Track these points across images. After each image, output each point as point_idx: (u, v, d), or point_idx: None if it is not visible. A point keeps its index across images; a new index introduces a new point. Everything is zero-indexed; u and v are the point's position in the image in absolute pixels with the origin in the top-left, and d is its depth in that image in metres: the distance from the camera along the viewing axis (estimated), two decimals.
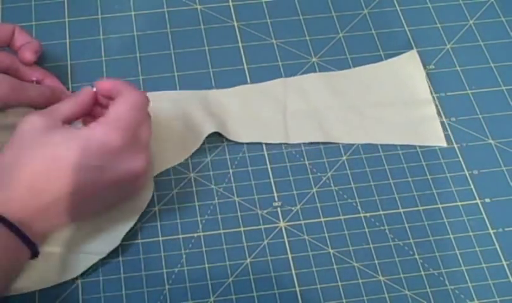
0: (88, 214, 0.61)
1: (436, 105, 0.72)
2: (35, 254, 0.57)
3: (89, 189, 0.58)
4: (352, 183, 0.67)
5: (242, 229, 0.64)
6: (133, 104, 0.60)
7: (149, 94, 0.62)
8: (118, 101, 0.60)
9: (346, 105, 0.72)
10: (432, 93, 0.73)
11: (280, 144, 0.69)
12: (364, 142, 0.70)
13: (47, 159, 0.57)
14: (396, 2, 0.80)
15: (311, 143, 0.69)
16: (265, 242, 0.64)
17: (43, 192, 0.56)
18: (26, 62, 0.68)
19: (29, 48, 0.68)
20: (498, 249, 0.64)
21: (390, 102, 0.72)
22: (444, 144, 0.70)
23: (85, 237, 0.62)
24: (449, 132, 0.71)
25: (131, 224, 0.63)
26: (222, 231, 0.64)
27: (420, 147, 0.70)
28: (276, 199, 0.66)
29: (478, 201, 0.67)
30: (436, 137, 0.70)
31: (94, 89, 0.63)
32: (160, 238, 0.64)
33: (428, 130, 0.71)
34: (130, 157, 0.59)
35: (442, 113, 0.72)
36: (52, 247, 0.61)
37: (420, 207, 0.66)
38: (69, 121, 0.60)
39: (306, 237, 0.64)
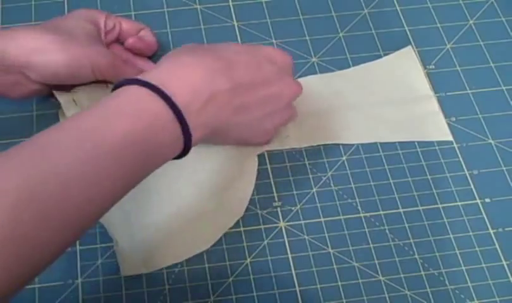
0: (238, 128, 0.61)
1: (438, 105, 0.72)
2: (186, 149, 0.55)
3: (248, 88, 0.59)
4: (352, 183, 0.67)
5: (242, 229, 0.64)
6: None
7: None
8: None
9: (347, 106, 0.72)
10: (431, 91, 0.73)
11: None
12: (369, 141, 0.70)
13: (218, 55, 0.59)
14: (395, 2, 0.80)
15: None
16: (265, 242, 0.64)
17: (209, 83, 0.56)
18: (130, 44, 0.71)
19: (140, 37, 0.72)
20: (498, 249, 0.64)
21: (391, 100, 0.72)
22: (450, 138, 0.70)
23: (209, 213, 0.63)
24: (449, 132, 0.71)
25: (250, 191, 0.65)
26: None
27: (420, 147, 0.70)
28: (276, 199, 0.66)
29: (478, 201, 0.67)
30: (441, 133, 0.70)
31: None
32: None
33: (433, 126, 0.71)
34: (287, 78, 0.63)
35: (442, 113, 0.72)
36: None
37: (420, 208, 0.66)
38: None
39: (306, 237, 0.64)
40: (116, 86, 0.54)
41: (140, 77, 0.54)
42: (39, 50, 0.62)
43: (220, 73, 0.57)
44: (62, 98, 0.66)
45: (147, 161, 0.52)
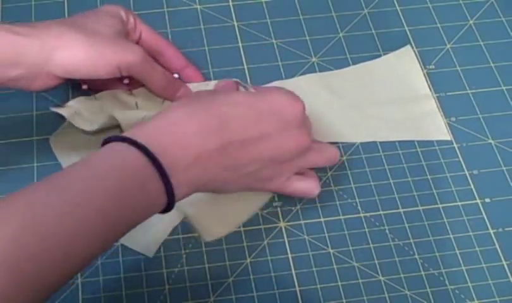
0: (232, 181, 0.59)
1: (436, 105, 0.72)
2: (168, 206, 0.54)
3: (245, 149, 0.58)
4: (352, 183, 0.67)
5: (242, 229, 0.64)
6: None
7: None
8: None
9: (346, 105, 0.72)
10: (430, 90, 0.73)
11: None
12: (369, 140, 0.70)
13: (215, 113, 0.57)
14: (395, 2, 0.80)
15: None
16: (265, 242, 0.64)
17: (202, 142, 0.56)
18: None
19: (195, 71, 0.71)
20: (498, 249, 0.64)
21: (390, 99, 0.73)
22: (448, 137, 0.70)
23: None
24: (449, 132, 0.71)
25: None
26: None
27: (420, 147, 0.70)
28: (276, 199, 0.66)
29: (478, 201, 0.67)
30: (439, 132, 0.71)
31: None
32: None
33: (431, 125, 0.71)
34: (292, 130, 0.59)
35: (442, 113, 0.72)
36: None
37: (420, 207, 0.66)
38: None
39: (306, 237, 0.64)
40: (105, 142, 0.54)
41: (128, 134, 0.54)
42: (61, 47, 0.61)
43: (211, 132, 0.56)
44: (63, 111, 0.65)
45: (130, 216, 0.52)
